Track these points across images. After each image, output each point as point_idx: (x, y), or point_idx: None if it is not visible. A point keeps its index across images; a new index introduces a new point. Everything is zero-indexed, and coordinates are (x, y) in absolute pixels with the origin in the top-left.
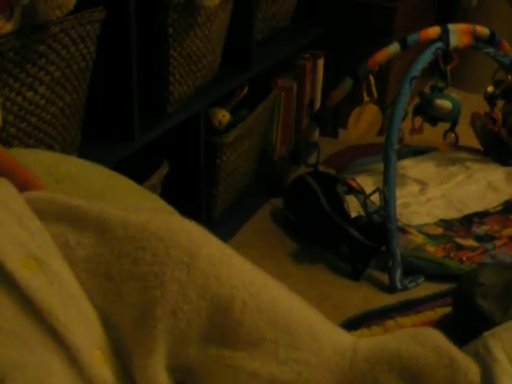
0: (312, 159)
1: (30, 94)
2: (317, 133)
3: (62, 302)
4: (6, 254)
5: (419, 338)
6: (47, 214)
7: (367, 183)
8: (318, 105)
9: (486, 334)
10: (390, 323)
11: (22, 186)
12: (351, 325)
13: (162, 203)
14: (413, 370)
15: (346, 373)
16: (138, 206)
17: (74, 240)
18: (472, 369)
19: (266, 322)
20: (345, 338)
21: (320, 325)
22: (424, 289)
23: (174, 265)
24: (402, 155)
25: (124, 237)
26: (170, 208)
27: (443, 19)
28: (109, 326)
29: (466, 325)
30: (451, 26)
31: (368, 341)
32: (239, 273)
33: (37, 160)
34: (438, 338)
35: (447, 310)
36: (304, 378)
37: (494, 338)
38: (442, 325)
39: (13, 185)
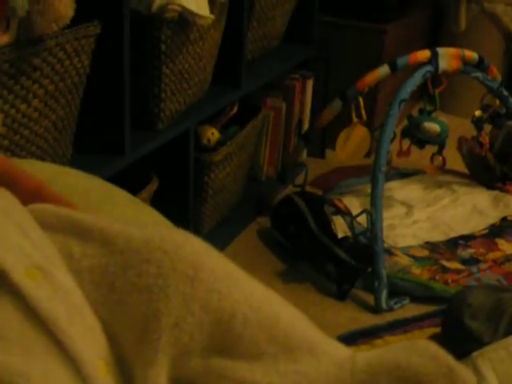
0: (300, 179)
1: (23, 107)
2: (305, 153)
3: (66, 312)
4: (10, 264)
5: (416, 349)
6: (51, 225)
7: (354, 204)
8: (306, 125)
9: (474, 354)
10: (379, 342)
11: (31, 193)
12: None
13: (157, 216)
14: (412, 379)
15: (346, 383)
16: (139, 221)
17: (79, 251)
18: (470, 379)
19: (267, 336)
20: (343, 352)
21: (319, 339)
22: (409, 310)
23: (179, 277)
24: (389, 177)
25: (128, 250)
26: (165, 221)
27: (433, 42)
28: (112, 336)
29: (455, 345)
30: (441, 50)
31: (365, 353)
32: (241, 286)
33: (35, 171)
34: (434, 348)
35: (436, 330)
36: None
37: (482, 358)
38: None
39: (19, 193)
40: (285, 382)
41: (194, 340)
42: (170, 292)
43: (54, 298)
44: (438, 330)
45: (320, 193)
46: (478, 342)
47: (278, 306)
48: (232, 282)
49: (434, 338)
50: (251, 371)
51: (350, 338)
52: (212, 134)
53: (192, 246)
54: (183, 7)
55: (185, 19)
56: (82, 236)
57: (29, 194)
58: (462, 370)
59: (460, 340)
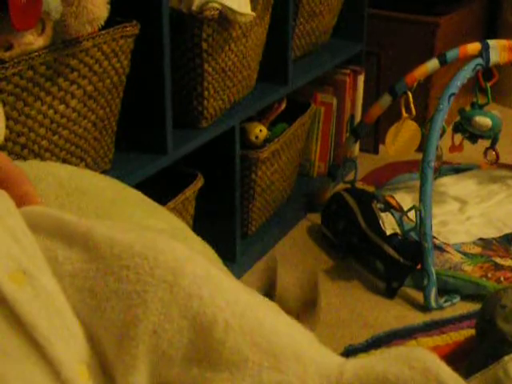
0: (351, 175)
1: (61, 108)
2: (357, 149)
3: (47, 316)
4: None
5: (408, 359)
6: (39, 227)
7: (406, 200)
8: (358, 121)
9: (506, 357)
10: (412, 343)
11: (20, 197)
12: (373, 344)
13: (171, 218)
14: None
15: None
16: (142, 224)
17: (63, 255)
18: None
19: (250, 343)
20: (331, 360)
21: (306, 347)
22: (460, 309)
23: (157, 284)
24: (442, 173)
25: (110, 255)
26: (180, 223)
27: (489, 35)
28: (94, 341)
29: (487, 347)
30: (491, 42)
31: (356, 363)
32: (223, 292)
33: (50, 173)
34: (427, 359)
35: (473, 331)
36: None
37: None
38: (466, 347)
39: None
40: None
41: (174, 347)
42: (148, 298)
43: (35, 302)
44: (474, 332)
45: (372, 189)
46: (510, 346)
47: (262, 312)
48: (214, 288)
49: (470, 340)
50: (232, 382)
51: (384, 339)
52: (260, 131)
53: (173, 252)
54: (223, 5)
55: (225, 17)
56: (66, 239)
57: (18, 199)
58: (452, 382)
59: (492, 343)
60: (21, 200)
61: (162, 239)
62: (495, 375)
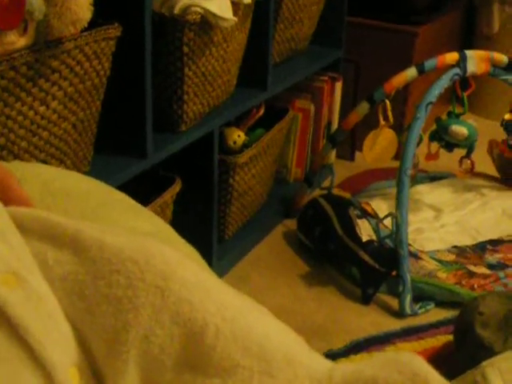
0: (327, 182)
1: (42, 109)
2: (333, 155)
3: (39, 319)
4: None
5: (397, 364)
6: (29, 230)
7: (381, 207)
8: (335, 127)
9: (484, 363)
10: (391, 349)
11: (11, 200)
12: (353, 349)
13: (157, 221)
14: None
15: None
16: (128, 227)
17: (53, 258)
18: None
19: (241, 348)
20: (321, 365)
21: (297, 351)
22: (434, 315)
23: (148, 288)
24: (418, 180)
25: (100, 258)
26: (165, 225)
27: (466, 45)
28: (85, 345)
29: (465, 353)
30: (469, 53)
31: (345, 367)
32: (214, 297)
33: (35, 174)
34: (416, 364)
35: (450, 337)
36: None
37: (492, 368)
38: (443, 352)
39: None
40: None
41: (165, 352)
42: (139, 303)
43: (27, 304)
44: (451, 337)
45: (348, 195)
46: (488, 351)
47: (253, 317)
48: (204, 293)
49: (447, 345)
50: None
51: (363, 344)
52: (238, 137)
53: (163, 256)
54: (205, 9)
55: (207, 21)
56: (56, 242)
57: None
58: None
59: (470, 348)
60: (12, 203)
61: (152, 243)
62: (473, 381)
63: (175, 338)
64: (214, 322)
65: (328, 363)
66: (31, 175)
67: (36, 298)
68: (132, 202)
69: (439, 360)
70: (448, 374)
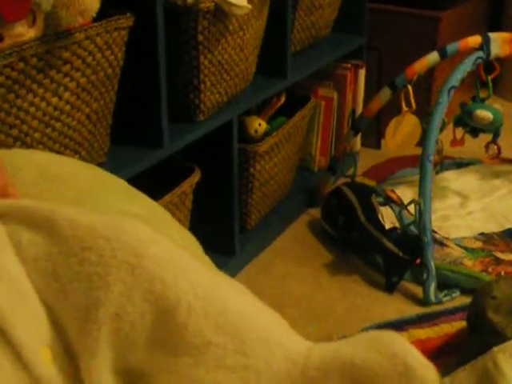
0: (352, 170)
1: (54, 100)
2: (358, 143)
3: (10, 299)
4: None
5: (376, 344)
6: (5, 215)
7: (407, 195)
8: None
9: (495, 348)
10: (403, 335)
11: None
12: None
13: (153, 205)
14: (365, 379)
15: (297, 381)
16: (113, 210)
17: (27, 239)
18: (429, 377)
19: (213, 326)
20: (298, 344)
21: (273, 329)
22: (459, 303)
23: (119, 265)
24: (444, 167)
25: (72, 236)
26: (161, 210)
27: (492, 30)
28: (58, 324)
29: (477, 338)
30: (492, 35)
31: (323, 347)
32: (187, 274)
33: (30, 160)
34: (396, 343)
35: (464, 323)
36: None
37: (503, 353)
38: (457, 339)
39: None
40: (231, 379)
41: (136, 330)
42: (110, 280)
43: None
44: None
45: (374, 183)
46: (500, 336)
47: (227, 294)
48: (178, 270)
49: (461, 332)
50: (195, 366)
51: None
52: (259, 125)
53: (137, 233)
54: None
55: (221, 9)
56: (30, 223)
57: None
58: (421, 368)
59: (482, 334)
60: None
61: (126, 220)
62: (484, 366)
63: (146, 316)
64: (186, 300)
65: (306, 343)
66: (27, 162)
67: (7, 279)
68: (128, 186)
69: (453, 346)
70: (460, 359)
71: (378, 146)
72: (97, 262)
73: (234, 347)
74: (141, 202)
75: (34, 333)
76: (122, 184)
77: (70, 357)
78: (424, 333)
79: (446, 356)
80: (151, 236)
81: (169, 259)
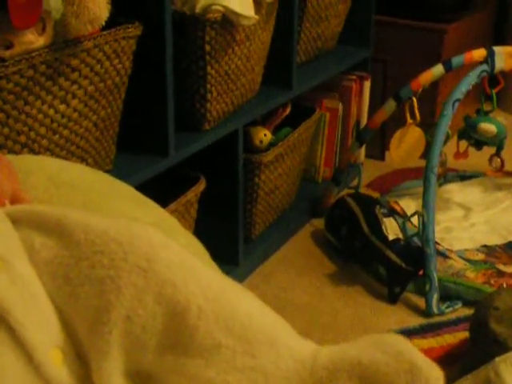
0: (355, 181)
1: (62, 107)
2: (362, 155)
3: (22, 302)
4: None
5: (381, 345)
6: (17, 220)
7: (410, 206)
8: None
9: (497, 359)
10: None
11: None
12: None
13: (160, 212)
14: (372, 377)
15: (306, 381)
16: (125, 216)
17: (39, 243)
18: (434, 374)
19: (223, 329)
20: (305, 346)
21: (280, 332)
22: (462, 314)
23: (131, 269)
24: (447, 179)
25: (84, 240)
26: (169, 217)
27: (497, 43)
28: (70, 327)
29: (480, 348)
30: (497, 49)
31: (329, 348)
32: (197, 278)
33: (40, 166)
34: (400, 343)
35: (467, 334)
36: None
37: (505, 364)
38: (460, 349)
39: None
40: (240, 380)
41: (147, 333)
42: (121, 284)
43: (11, 288)
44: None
45: (378, 195)
46: (502, 346)
47: (236, 298)
48: (188, 274)
49: (464, 342)
50: (205, 368)
51: None
52: (264, 135)
53: (148, 238)
54: (226, 8)
55: (229, 20)
56: (42, 228)
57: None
58: (426, 366)
59: (485, 344)
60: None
61: (138, 225)
62: (486, 376)
63: (158, 319)
64: (196, 303)
65: (312, 345)
66: (37, 168)
67: (20, 282)
68: (136, 193)
69: (455, 356)
70: (463, 369)
71: (382, 157)
72: (108, 266)
73: (242, 349)
74: (150, 208)
75: (45, 335)
76: (131, 191)
77: (80, 359)
78: (427, 343)
79: (448, 366)
80: (162, 240)
81: (179, 263)
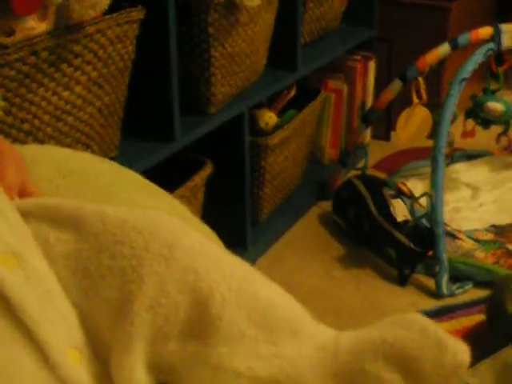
0: (362, 162)
1: (66, 94)
2: (368, 135)
3: (38, 299)
4: None
5: (403, 323)
6: (29, 214)
7: (417, 187)
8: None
9: None
10: None
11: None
12: None
13: (172, 200)
14: (399, 354)
15: (330, 366)
16: (138, 205)
17: (54, 237)
18: (460, 348)
19: (246, 318)
20: (326, 333)
21: (301, 320)
22: (472, 295)
23: (153, 257)
24: (454, 159)
25: (102, 231)
26: (179, 205)
27: (503, 20)
28: (87, 323)
29: (498, 331)
30: (503, 27)
31: (350, 333)
32: (219, 266)
33: (47, 156)
34: (423, 320)
35: (483, 317)
36: (285, 374)
37: None
38: (476, 332)
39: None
40: (265, 367)
41: (170, 322)
42: (143, 273)
43: (25, 285)
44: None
45: (384, 176)
46: None
47: (258, 287)
48: (210, 262)
49: (480, 325)
50: (229, 356)
51: None
52: (270, 118)
53: (168, 225)
54: None
55: (232, 2)
56: (56, 222)
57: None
58: (451, 341)
59: (502, 327)
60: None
61: (155, 212)
62: (505, 360)
63: (180, 308)
64: (220, 292)
65: (332, 331)
66: (44, 157)
67: (35, 278)
68: (146, 182)
69: (472, 340)
70: (480, 353)
71: (387, 138)
72: (130, 255)
73: (264, 338)
74: (160, 197)
75: (62, 334)
76: (140, 180)
77: (97, 358)
78: (442, 326)
79: None
80: (181, 228)
81: (200, 250)
